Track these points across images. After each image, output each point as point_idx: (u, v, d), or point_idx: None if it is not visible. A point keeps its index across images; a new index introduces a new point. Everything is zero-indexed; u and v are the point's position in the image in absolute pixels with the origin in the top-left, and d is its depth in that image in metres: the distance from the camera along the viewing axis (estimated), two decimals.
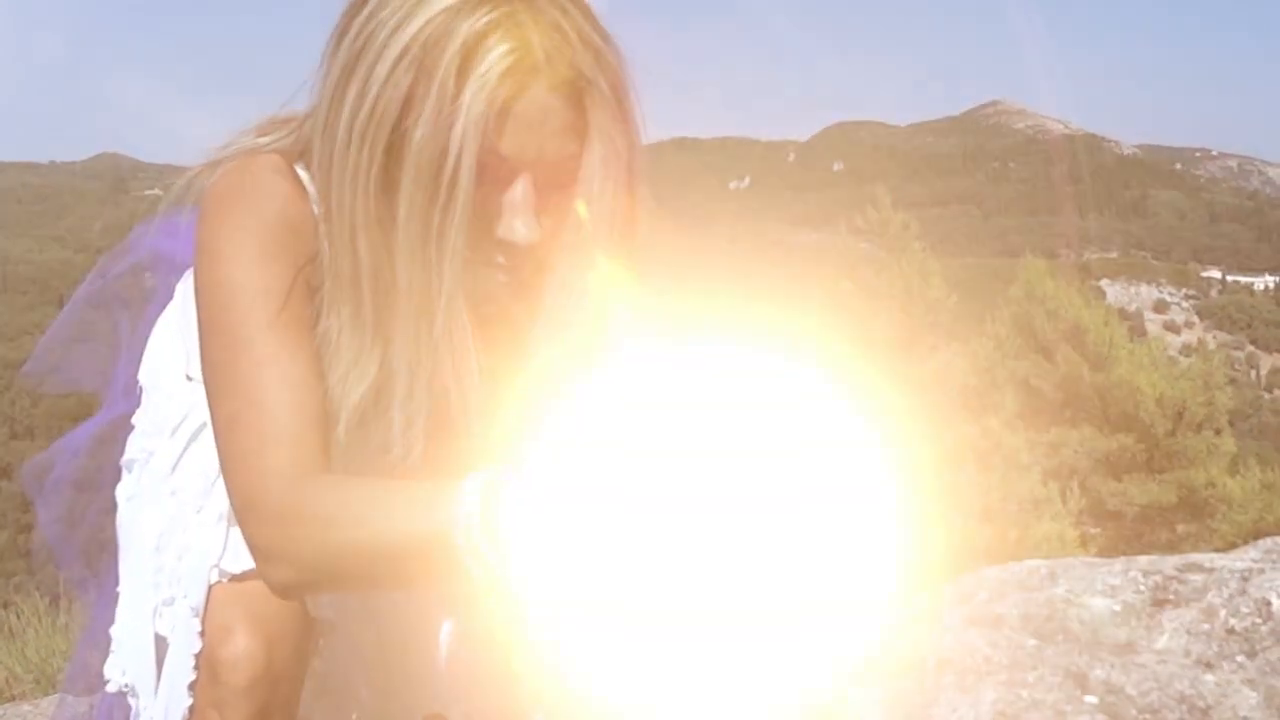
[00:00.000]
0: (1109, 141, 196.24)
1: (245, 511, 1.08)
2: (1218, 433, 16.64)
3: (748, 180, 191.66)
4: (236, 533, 1.17)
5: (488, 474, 0.96)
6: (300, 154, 1.17)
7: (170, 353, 1.32)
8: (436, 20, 1.02)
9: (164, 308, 1.36)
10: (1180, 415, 16.24)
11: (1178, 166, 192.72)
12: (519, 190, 1.07)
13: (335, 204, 1.09)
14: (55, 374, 1.55)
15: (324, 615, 1.23)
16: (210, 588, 1.17)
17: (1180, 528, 16.31)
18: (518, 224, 1.07)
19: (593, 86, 1.05)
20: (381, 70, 1.04)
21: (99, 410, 1.45)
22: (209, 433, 1.24)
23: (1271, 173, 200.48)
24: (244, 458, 1.07)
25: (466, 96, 1.01)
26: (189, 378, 1.31)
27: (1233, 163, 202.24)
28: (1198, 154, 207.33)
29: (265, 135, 1.21)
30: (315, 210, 1.16)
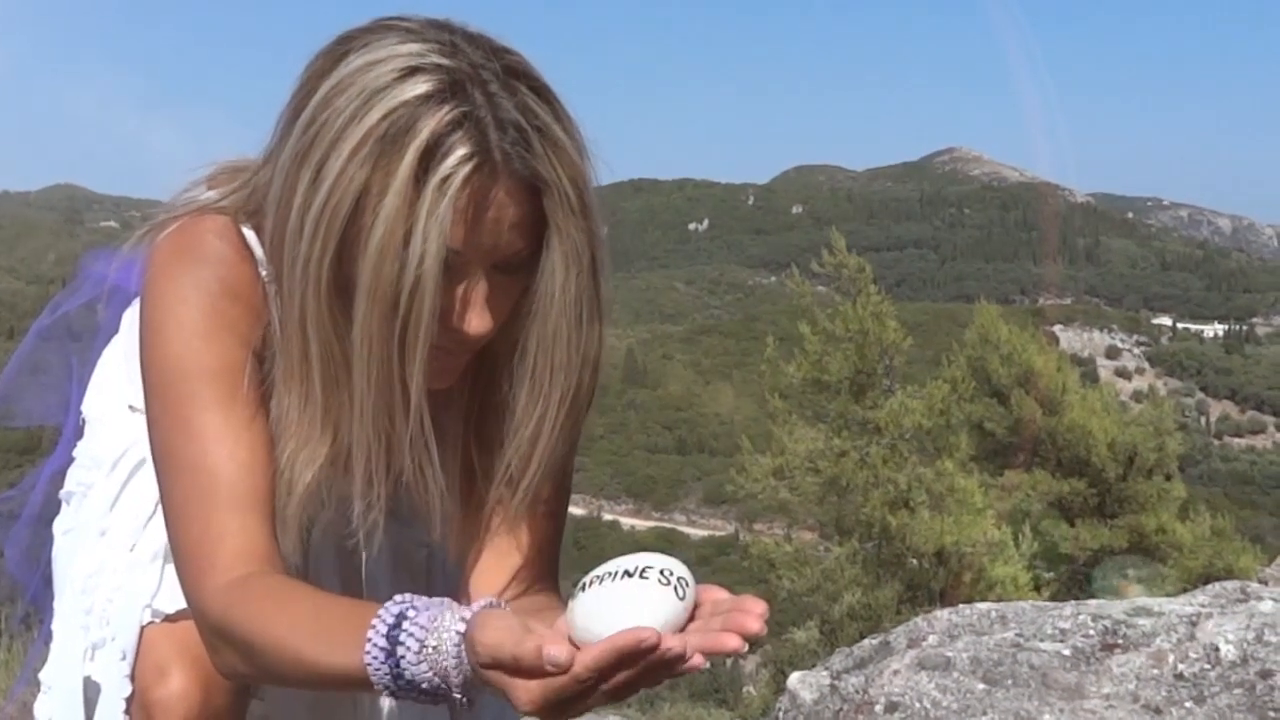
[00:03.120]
0: (1063, 189, 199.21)
1: (191, 608, 1.08)
2: (1168, 478, 16.83)
3: (706, 222, 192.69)
4: (172, 571, 1.15)
5: (400, 610, 0.94)
6: (251, 213, 1.15)
7: (114, 384, 1.30)
8: (395, 115, 1.00)
9: (110, 340, 1.34)
10: (1131, 460, 16.42)
11: (1130, 215, 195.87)
12: (472, 284, 1.06)
13: (286, 289, 1.08)
14: (11, 409, 1.53)
15: None
16: (143, 628, 1.14)
17: (1131, 572, 16.43)
18: (471, 316, 1.07)
19: (551, 187, 1.04)
20: (335, 163, 1.01)
21: (55, 445, 1.43)
22: (149, 467, 1.22)
23: (1221, 222, 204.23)
24: (191, 553, 1.07)
25: (426, 201, 0.99)
26: (132, 408, 1.28)
27: (1183, 212, 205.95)
28: (1149, 203, 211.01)
29: (216, 188, 1.19)
30: (263, 273, 1.14)
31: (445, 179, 0.99)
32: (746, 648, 0.89)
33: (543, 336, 1.09)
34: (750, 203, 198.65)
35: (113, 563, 1.19)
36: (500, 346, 1.13)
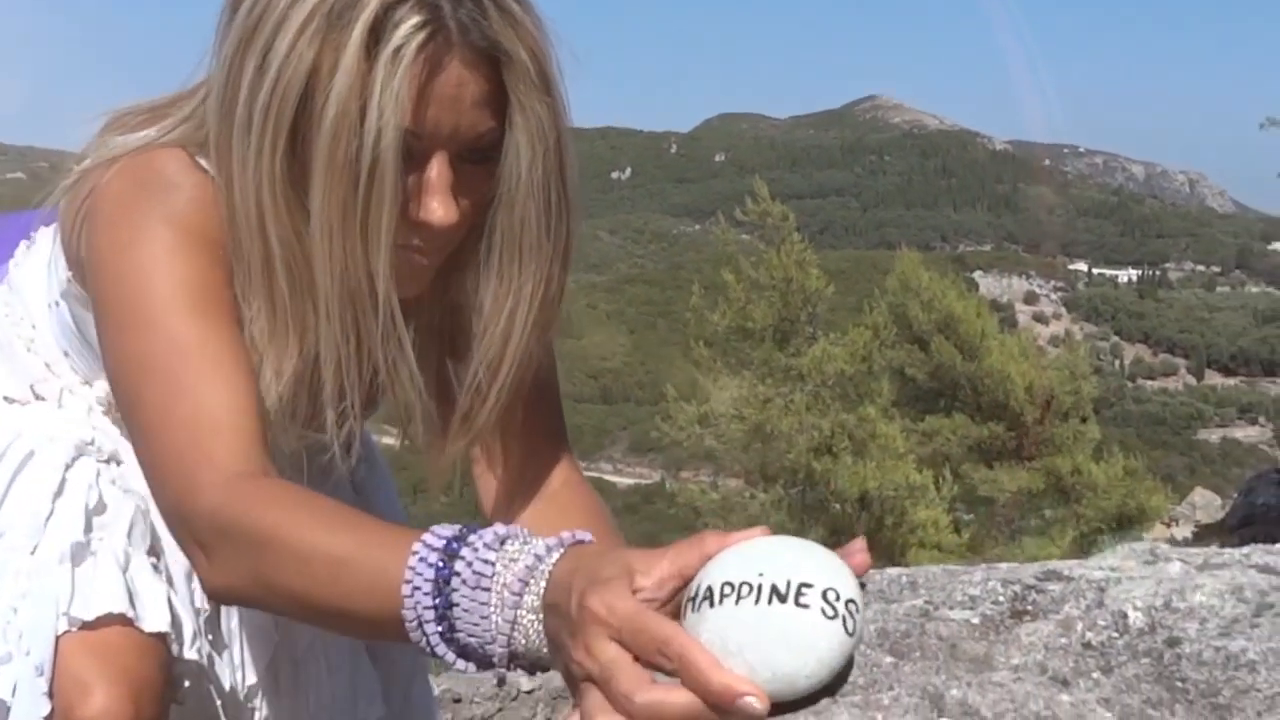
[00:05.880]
0: (981, 137, 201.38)
1: (180, 511, 0.94)
2: (1084, 421, 17.20)
3: (629, 171, 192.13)
4: (84, 574, 1.06)
5: (445, 539, 0.80)
6: (200, 144, 1.06)
7: None
8: None
9: None
10: (1049, 404, 16.74)
11: (1047, 162, 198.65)
12: (434, 169, 0.98)
13: (240, 190, 1.00)
14: None
15: (189, 660, 1.12)
16: (58, 639, 1.02)
17: (1048, 513, 16.82)
18: (434, 204, 0.99)
19: (510, 59, 0.97)
20: (282, 44, 0.94)
21: None
22: (37, 462, 1.13)
23: (1135, 169, 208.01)
24: (179, 453, 0.94)
25: (379, 75, 0.92)
26: (8, 399, 1.21)
27: (1099, 159, 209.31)
28: (1065, 150, 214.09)
29: (153, 125, 1.09)
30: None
31: (398, 49, 0.92)
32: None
33: (509, 225, 1.02)
34: (673, 151, 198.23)
35: (14, 567, 1.07)
36: (468, 252, 1.06)
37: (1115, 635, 0.86)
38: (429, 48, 0.94)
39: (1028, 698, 0.77)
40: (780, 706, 0.69)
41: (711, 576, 0.71)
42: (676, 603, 0.73)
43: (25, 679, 1.02)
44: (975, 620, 0.91)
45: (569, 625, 0.72)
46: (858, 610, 0.71)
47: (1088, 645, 0.85)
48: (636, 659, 0.70)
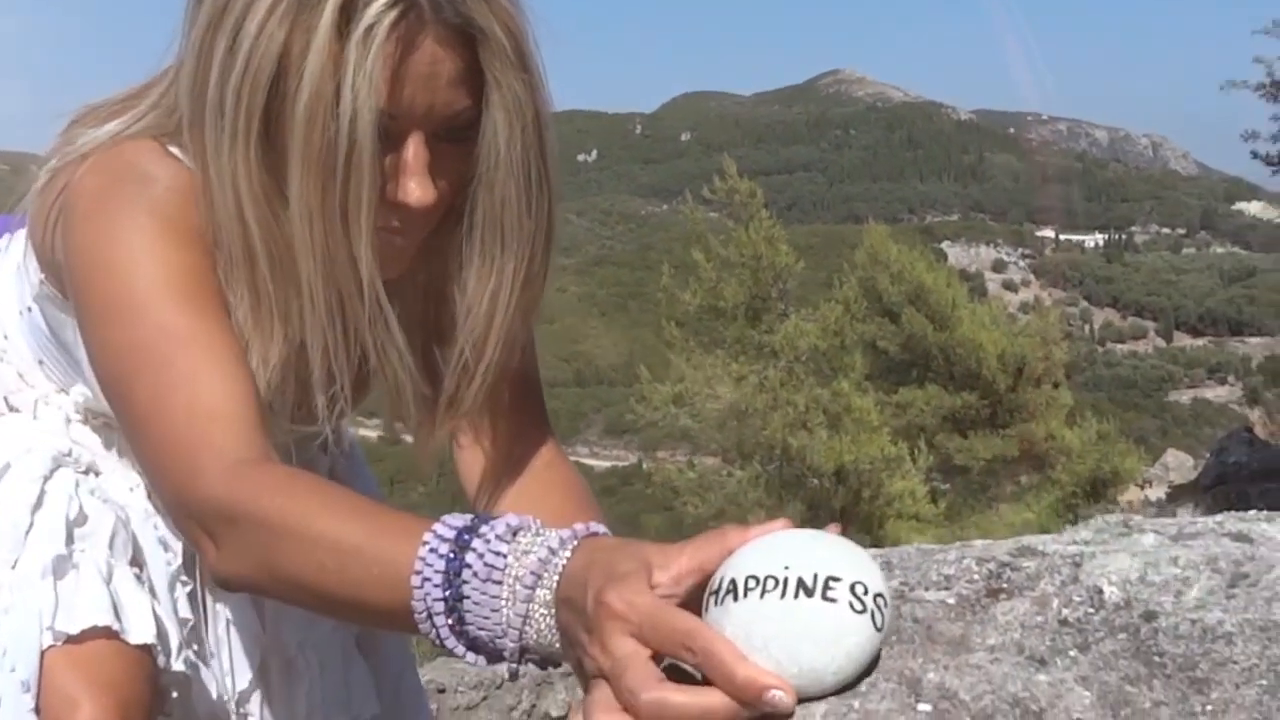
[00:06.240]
0: (946, 108, 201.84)
1: (184, 497, 0.92)
2: (1056, 386, 17.32)
3: (595, 153, 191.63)
4: (67, 586, 1.05)
5: (456, 530, 0.78)
6: (170, 132, 1.05)
7: None
8: None
9: None
10: (1020, 371, 16.84)
11: (1011, 130, 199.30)
12: (410, 150, 0.97)
13: (216, 176, 0.98)
14: None
15: (176, 671, 1.11)
16: (43, 654, 1.01)
17: (1024, 479, 16.95)
18: (411, 185, 0.97)
19: (485, 36, 0.96)
20: (252, 25, 0.93)
21: None
22: (14, 475, 1.12)
23: (1099, 134, 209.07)
24: (179, 441, 0.92)
25: (352, 55, 0.90)
26: None
27: (1062, 126, 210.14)
28: (1029, 118, 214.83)
29: (117, 118, 1.07)
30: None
31: (370, 29, 0.91)
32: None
33: (489, 205, 1.01)
34: (638, 131, 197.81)
35: None
36: (448, 233, 1.05)
37: (1091, 611, 0.85)
38: (401, 26, 0.92)
39: (1005, 679, 0.77)
40: (804, 702, 0.68)
41: (734, 570, 0.69)
42: (693, 599, 0.72)
43: (11, 694, 1.01)
44: (951, 600, 0.90)
45: (584, 621, 0.71)
46: (886, 604, 0.69)
47: (1064, 622, 0.85)
48: (656, 655, 0.69)
